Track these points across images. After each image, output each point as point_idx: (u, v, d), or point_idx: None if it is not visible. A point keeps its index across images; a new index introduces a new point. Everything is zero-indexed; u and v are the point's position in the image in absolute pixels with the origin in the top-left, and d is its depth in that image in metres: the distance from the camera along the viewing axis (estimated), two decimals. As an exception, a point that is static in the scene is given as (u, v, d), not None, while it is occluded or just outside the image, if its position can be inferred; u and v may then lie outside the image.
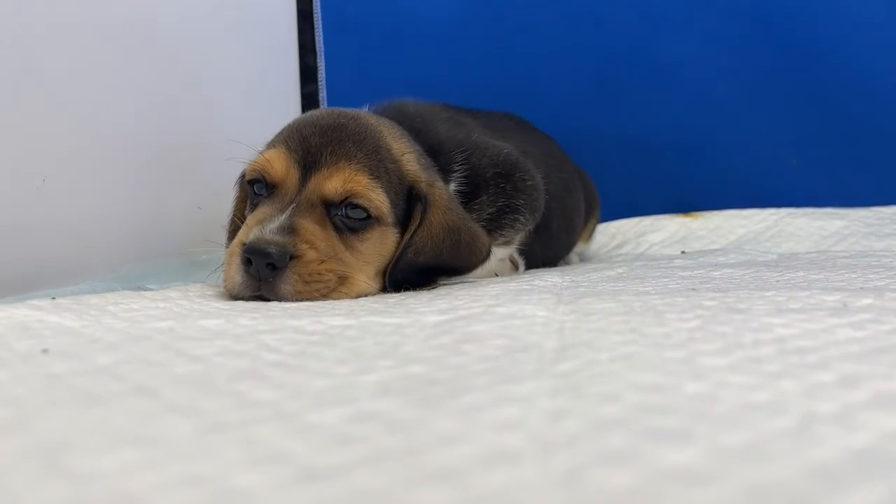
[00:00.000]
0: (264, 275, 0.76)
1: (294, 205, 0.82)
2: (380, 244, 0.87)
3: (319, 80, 1.76)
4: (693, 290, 0.75)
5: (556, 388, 0.36)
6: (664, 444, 0.28)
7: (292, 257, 0.77)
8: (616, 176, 1.83)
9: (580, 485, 0.25)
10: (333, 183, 0.82)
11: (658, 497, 0.24)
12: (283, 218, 0.80)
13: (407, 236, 0.88)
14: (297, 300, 0.77)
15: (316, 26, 1.78)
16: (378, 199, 0.84)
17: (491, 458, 0.27)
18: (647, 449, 0.27)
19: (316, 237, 0.80)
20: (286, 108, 1.61)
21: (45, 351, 0.48)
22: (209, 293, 0.83)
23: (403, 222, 0.90)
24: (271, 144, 0.88)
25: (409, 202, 0.90)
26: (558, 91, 1.86)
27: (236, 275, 0.78)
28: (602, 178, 1.74)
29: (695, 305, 0.61)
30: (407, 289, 0.88)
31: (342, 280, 0.81)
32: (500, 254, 1.09)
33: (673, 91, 1.84)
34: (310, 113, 0.92)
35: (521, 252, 1.17)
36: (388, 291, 0.88)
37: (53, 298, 0.73)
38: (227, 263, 0.81)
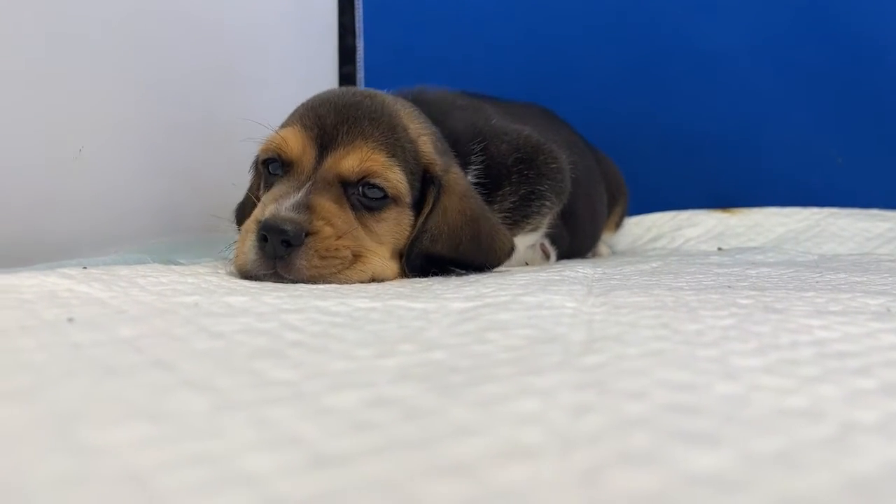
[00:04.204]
0: (280, 252, 0.75)
1: (311, 182, 0.80)
2: (396, 224, 0.85)
3: (357, 61, 1.76)
4: (729, 287, 0.73)
5: (581, 383, 0.34)
6: (691, 447, 0.26)
7: (308, 234, 0.75)
8: (653, 168, 1.80)
9: (600, 485, 0.23)
10: (350, 161, 0.81)
11: (681, 502, 0.22)
12: (299, 195, 0.78)
13: (421, 220, 0.86)
14: (312, 277, 0.75)
15: (357, 8, 1.77)
16: (396, 178, 0.83)
17: (507, 453, 0.25)
18: (672, 451, 0.26)
19: (333, 214, 0.78)
20: (323, 87, 1.60)
21: (70, 320, 0.48)
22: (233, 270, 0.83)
23: (419, 206, 0.88)
24: (286, 123, 0.87)
25: (424, 186, 0.88)
26: (597, 80, 1.83)
27: (250, 252, 0.77)
28: (639, 171, 1.71)
29: (730, 303, 0.59)
30: (435, 274, 0.87)
31: (357, 257, 0.79)
32: (529, 240, 1.08)
33: (716, 82, 1.79)
34: (325, 91, 0.91)
35: (552, 240, 1.15)
36: (406, 276, 0.87)
37: (85, 268, 0.73)
38: (241, 241, 0.80)
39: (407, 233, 0.87)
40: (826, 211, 1.63)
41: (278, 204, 0.77)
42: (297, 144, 0.82)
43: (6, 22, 0.76)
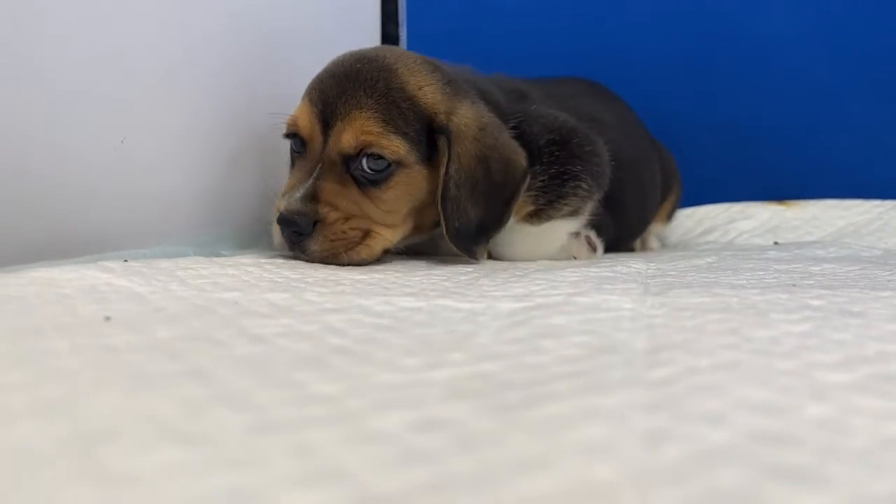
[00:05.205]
0: (295, 240, 0.83)
1: (320, 165, 0.86)
2: (407, 186, 0.87)
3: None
4: (794, 286, 0.68)
5: (652, 402, 0.31)
6: (791, 490, 0.23)
7: (317, 222, 0.82)
8: (705, 158, 1.73)
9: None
10: (347, 136, 0.84)
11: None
12: (308, 184, 0.84)
13: (442, 171, 0.86)
14: (325, 258, 0.83)
15: (400, -5, 1.74)
16: (392, 144, 0.84)
17: (578, 492, 0.22)
18: (769, 494, 0.23)
19: (336, 197, 0.84)
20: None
21: (107, 319, 0.46)
22: (280, 261, 0.82)
23: (432, 157, 0.88)
24: (303, 96, 0.90)
25: (432, 134, 0.87)
26: (646, 66, 1.76)
27: (277, 236, 0.86)
28: (690, 160, 1.65)
29: (801, 305, 0.55)
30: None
31: (366, 234, 0.85)
32: (570, 226, 1.03)
33: (771, 69, 1.71)
34: (334, 61, 0.92)
35: (597, 231, 1.10)
36: (424, 234, 0.93)
37: (126, 261, 0.72)
38: (272, 223, 0.87)
39: (424, 187, 0.88)
40: (889, 203, 1.55)
41: (290, 195, 0.84)
42: (306, 123, 0.87)
43: (43, 8, 0.75)
